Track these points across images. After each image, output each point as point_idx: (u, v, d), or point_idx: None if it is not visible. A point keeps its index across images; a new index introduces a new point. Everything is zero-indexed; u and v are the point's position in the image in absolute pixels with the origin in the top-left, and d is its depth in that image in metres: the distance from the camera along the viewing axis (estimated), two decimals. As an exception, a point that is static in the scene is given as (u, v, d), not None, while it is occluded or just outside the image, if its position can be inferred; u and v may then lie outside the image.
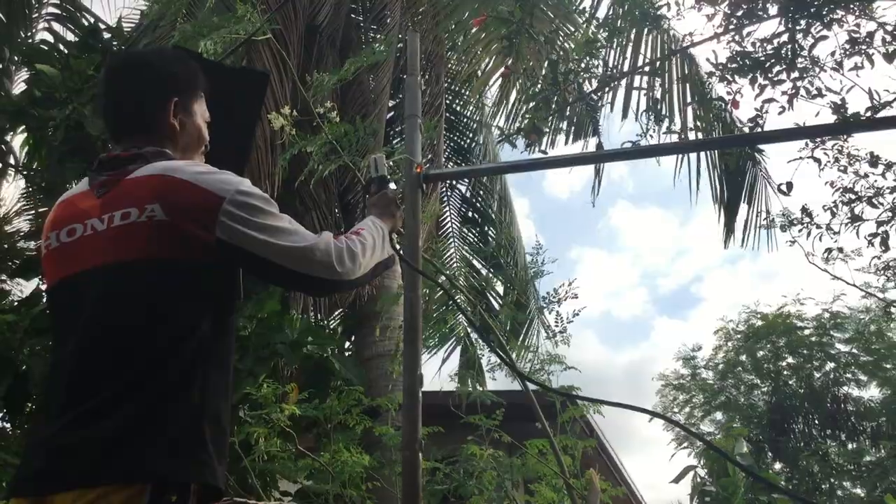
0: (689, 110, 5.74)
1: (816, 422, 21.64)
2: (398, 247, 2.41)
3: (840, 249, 5.49)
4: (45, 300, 1.95)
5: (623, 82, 5.88)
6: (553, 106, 3.76)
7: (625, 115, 5.87)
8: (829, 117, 4.20)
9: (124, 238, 1.76)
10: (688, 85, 6.07)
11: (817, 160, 4.75)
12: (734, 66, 4.17)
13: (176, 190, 1.80)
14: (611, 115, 6.69)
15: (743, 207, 7.53)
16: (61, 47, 8.73)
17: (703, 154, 6.90)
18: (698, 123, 5.02)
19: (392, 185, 2.67)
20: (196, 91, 2.10)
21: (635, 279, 54.13)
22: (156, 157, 1.91)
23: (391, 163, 3.33)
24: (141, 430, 1.62)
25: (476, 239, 10.69)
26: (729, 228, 7.59)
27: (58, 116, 7.59)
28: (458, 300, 8.25)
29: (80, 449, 1.59)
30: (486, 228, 10.80)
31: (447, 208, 10.61)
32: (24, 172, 8.59)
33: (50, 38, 8.88)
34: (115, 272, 1.75)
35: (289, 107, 5.35)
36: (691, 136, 5.16)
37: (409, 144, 3.44)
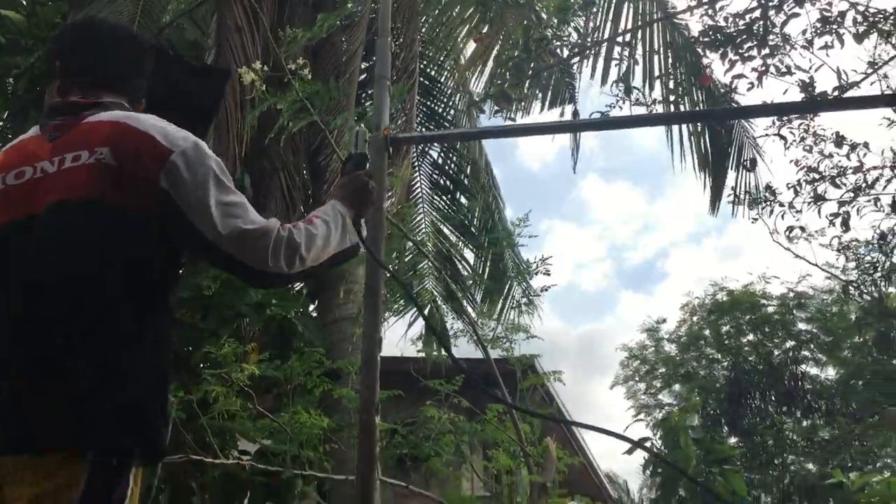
0: (670, 79, 5.71)
1: (773, 398, 22.01)
2: (363, 235, 2.21)
3: (802, 228, 5.56)
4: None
5: (602, 49, 5.83)
6: (529, 72, 3.73)
7: (604, 82, 5.80)
8: (797, 95, 4.24)
9: (72, 178, 1.74)
10: (669, 53, 6.02)
11: (783, 138, 4.79)
12: (706, 39, 4.18)
13: (128, 137, 1.78)
14: (585, 85, 6.63)
15: (731, 175, 7.45)
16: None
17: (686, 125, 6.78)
18: (679, 91, 5.01)
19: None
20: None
21: (602, 252, 54.39)
22: (115, 107, 1.90)
23: (362, 126, 3.24)
24: (93, 384, 1.60)
25: (447, 206, 10.61)
26: (716, 195, 7.51)
27: (22, 64, 7.43)
28: (424, 267, 8.25)
29: (31, 409, 1.59)
30: (457, 195, 10.72)
31: (418, 175, 10.51)
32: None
33: (15, -16, 8.64)
34: (63, 213, 1.72)
35: (260, 62, 5.27)
36: (670, 106, 5.14)
37: (377, 106, 3.41)
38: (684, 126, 7.33)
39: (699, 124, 7.12)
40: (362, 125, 2.72)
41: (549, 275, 6.33)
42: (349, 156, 2.47)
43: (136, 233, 1.73)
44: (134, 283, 1.71)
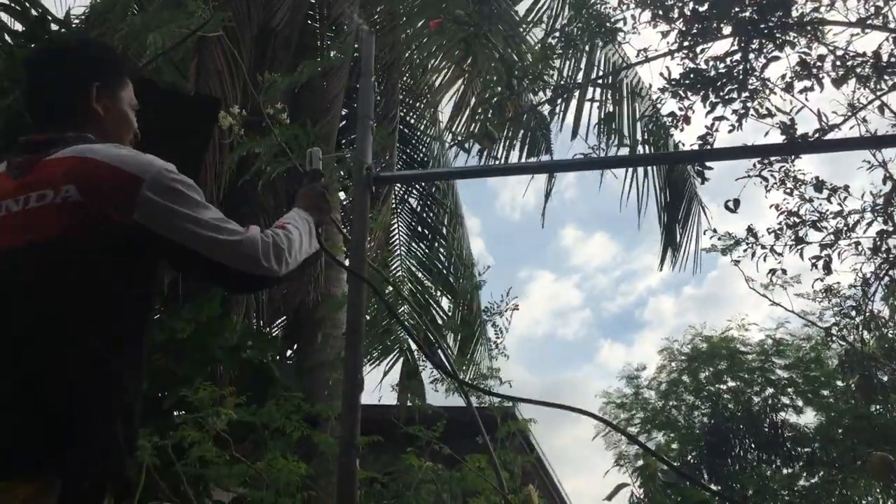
0: (639, 127, 5.74)
1: (753, 446, 21.90)
2: (323, 241, 2.41)
3: (784, 271, 5.56)
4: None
5: (575, 96, 5.86)
6: (508, 112, 3.74)
7: (575, 130, 5.82)
8: (778, 137, 4.27)
9: (38, 219, 1.71)
10: (637, 102, 6.07)
11: (765, 179, 4.81)
12: (687, 82, 4.20)
13: (92, 170, 1.76)
14: (561, 135, 6.68)
15: (682, 228, 7.49)
16: (6, 37, 8.49)
17: (650, 175, 6.88)
18: (649, 138, 5.05)
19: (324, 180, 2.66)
20: (122, 77, 2.09)
21: (580, 301, 54.24)
22: (77, 142, 1.87)
23: (316, 147, 3.25)
24: (44, 424, 1.56)
25: (423, 254, 10.61)
26: (671, 248, 7.53)
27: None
28: (403, 312, 8.18)
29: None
30: (434, 244, 10.72)
31: (396, 221, 10.53)
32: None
33: (-7, 28, 8.60)
34: (26, 255, 1.69)
35: (238, 106, 5.25)
36: (641, 152, 5.17)
37: (360, 145, 3.37)
38: (650, 182, 7.39)
39: (657, 179, 7.18)
40: (316, 147, 2.84)
41: (517, 309, 6.30)
42: (304, 173, 2.66)
43: (98, 268, 1.70)
44: (100, 322, 1.67)
